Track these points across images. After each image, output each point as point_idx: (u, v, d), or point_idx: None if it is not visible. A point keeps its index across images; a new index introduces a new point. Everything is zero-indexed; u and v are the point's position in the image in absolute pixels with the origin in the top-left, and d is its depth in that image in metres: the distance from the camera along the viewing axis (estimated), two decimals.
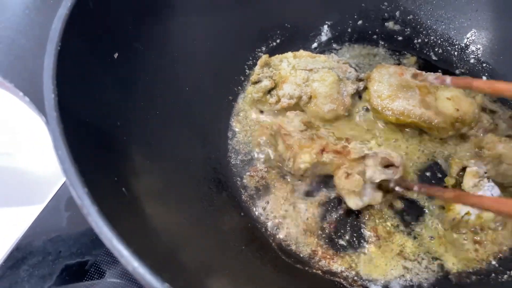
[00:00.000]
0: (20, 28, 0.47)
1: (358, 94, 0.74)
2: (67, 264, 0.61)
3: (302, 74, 0.71)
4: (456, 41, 0.81)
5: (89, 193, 0.37)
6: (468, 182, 0.61)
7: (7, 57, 0.45)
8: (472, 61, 0.79)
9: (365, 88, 0.73)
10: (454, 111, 0.66)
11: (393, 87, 0.70)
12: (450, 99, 0.67)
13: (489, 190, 0.59)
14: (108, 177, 0.45)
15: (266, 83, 0.71)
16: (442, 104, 0.67)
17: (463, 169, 0.64)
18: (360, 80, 0.74)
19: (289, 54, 0.75)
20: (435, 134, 0.68)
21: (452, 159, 0.66)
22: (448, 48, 0.81)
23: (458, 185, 0.62)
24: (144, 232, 0.44)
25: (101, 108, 0.52)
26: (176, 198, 0.57)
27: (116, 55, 0.58)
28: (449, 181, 0.63)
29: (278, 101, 0.71)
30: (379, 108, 0.69)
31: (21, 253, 0.62)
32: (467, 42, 0.80)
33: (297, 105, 0.71)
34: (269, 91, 0.72)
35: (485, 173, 0.61)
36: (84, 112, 0.48)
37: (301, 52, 0.76)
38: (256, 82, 0.73)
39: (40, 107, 0.43)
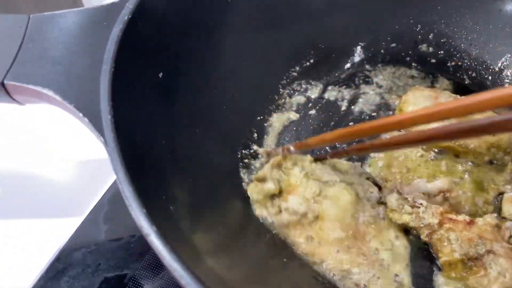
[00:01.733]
0: (77, 49, 0.49)
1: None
2: (106, 276, 0.62)
3: (314, 186, 0.61)
4: (490, 65, 0.81)
5: (147, 214, 0.38)
6: (508, 209, 0.60)
7: (65, 78, 0.47)
8: (506, 85, 0.79)
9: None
10: (490, 136, 0.65)
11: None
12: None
13: None
14: (160, 196, 0.47)
15: (269, 186, 0.62)
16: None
17: (499, 194, 0.64)
18: (381, 203, 0.62)
19: (308, 157, 0.64)
20: (470, 159, 0.68)
21: (488, 185, 0.66)
22: (482, 72, 0.81)
23: (497, 212, 0.62)
24: (194, 252, 0.45)
25: (148, 127, 0.54)
26: (214, 220, 0.58)
27: (160, 75, 0.60)
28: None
29: (279, 212, 0.61)
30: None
31: (62, 264, 0.64)
32: (502, 66, 0.81)
33: (299, 223, 0.60)
34: (272, 195, 0.62)
35: None
36: (135, 132, 0.50)
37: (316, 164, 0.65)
38: (261, 180, 0.63)
39: (97, 127, 0.44)
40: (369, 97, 0.80)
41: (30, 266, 0.64)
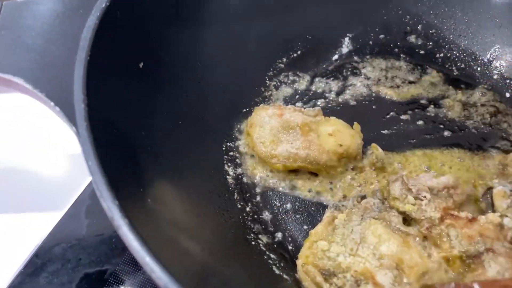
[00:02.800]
0: (51, 37, 0.48)
1: None
2: (86, 272, 0.61)
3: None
4: (479, 56, 0.80)
5: (119, 205, 0.37)
6: (500, 204, 0.58)
7: (38, 66, 0.45)
8: (495, 77, 0.78)
9: (248, 134, 0.69)
10: (338, 147, 0.64)
11: (274, 130, 0.67)
12: (332, 134, 0.65)
13: None
14: (135, 189, 0.45)
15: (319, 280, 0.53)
16: (325, 141, 0.65)
17: (488, 189, 0.63)
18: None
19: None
20: (323, 175, 0.66)
21: (475, 180, 0.65)
22: (471, 63, 0.80)
23: (488, 210, 0.60)
24: (169, 243, 0.44)
25: (127, 118, 0.52)
26: (198, 211, 0.57)
27: (141, 65, 0.59)
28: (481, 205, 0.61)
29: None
30: (265, 157, 0.65)
31: (40, 259, 0.62)
32: (491, 58, 0.80)
33: None
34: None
35: (511, 191, 0.60)
36: (111, 122, 0.48)
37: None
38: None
39: (70, 117, 0.43)
40: (356, 88, 0.79)
41: (8, 262, 0.62)
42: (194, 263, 0.47)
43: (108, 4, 0.53)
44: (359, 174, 0.66)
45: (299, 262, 0.55)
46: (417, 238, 0.56)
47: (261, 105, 0.74)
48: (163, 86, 0.63)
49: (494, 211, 0.60)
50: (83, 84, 0.45)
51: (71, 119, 0.42)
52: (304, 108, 0.71)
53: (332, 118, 0.70)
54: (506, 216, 0.57)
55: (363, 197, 0.63)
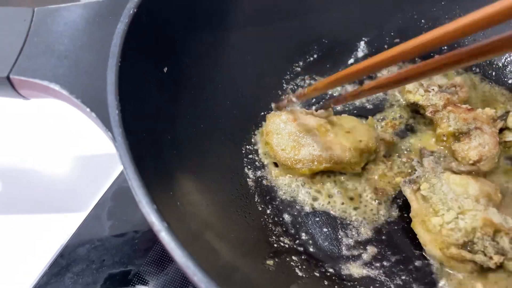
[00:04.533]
0: (83, 43, 0.49)
1: None
2: (110, 273, 0.62)
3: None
4: (494, 61, 0.81)
5: (157, 210, 0.38)
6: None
7: (71, 72, 0.46)
8: (510, 81, 0.79)
9: (267, 143, 0.69)
10: (358, 143, 0.66)
11: (292, 135, 0.67)
12: (349, 132, 0.66)
13: None
14: (167, 193, 0.46)
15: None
16: (344, 139, 0.66)
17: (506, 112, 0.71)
18: None
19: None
20: (349, 171, 0.67)
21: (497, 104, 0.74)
22: (486, 67, 0.81)
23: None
24: (202, 246, 0.45)
25: (155, 122, 0.54)
26: (222, 214, 0.58)
27: (165, 70, 0.60)
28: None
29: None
30: (289, 163, 0.66)
31: (65, 260, 0.63)
32: (506, 62, 0.80)
33: None
34: None
35: None
36: (143, 127, 0.49)
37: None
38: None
39: (104, 122, 0.44)
40: None
41: (34, 263, 0.63)
42: (223, 262, 0.48)
43: (135, 10, 0.54)
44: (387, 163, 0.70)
45: (434, 251, 0.57)
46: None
47: (272, 112, 0.74)
48: (185, 91, 0.64)
49: (506, 127, 0.69)
50: (116, 90, 0.45)
51: (105, 124, 0.43)
52: (317, 111, 0.72)
53: (344, 116, 0.72)
54: None
55: (419, 161, 0.67)
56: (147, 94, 0.54)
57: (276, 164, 0.69)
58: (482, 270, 0.56)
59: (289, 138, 0.67)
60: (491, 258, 0.54)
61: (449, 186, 0.60)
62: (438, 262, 0.59)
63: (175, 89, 0.62)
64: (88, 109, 0.44)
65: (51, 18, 0.51)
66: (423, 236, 0.60)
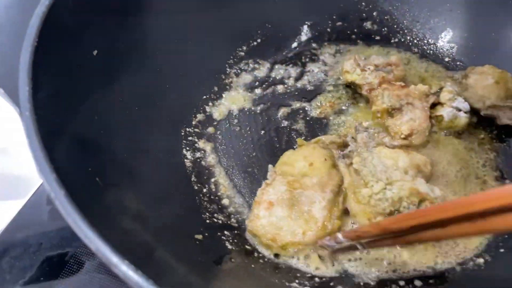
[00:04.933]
0: (1, 26, 0.49)
1: None
2: (47, 255, 0.63)
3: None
4: (431, 40, 0.83)
5: (57, 179, 0.39)
6: (444, 96, 0.71)
7: None
8: (447, 59, 0.81)
9: (272, 248, 0.59)
10: (324, 163, 0.63)
11: (291, 215, 0.59)
12: (311, 164, 0.63)
13: (461, 103, 0.70)
14: (81, 167, 0.47)
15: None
16: (317, 171, 0.62)
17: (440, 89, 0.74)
18: None
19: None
20: None
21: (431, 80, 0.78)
22: (424, 47, 0.83)
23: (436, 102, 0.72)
24: (119, 224, 0.46)
25: (78, 102, 0.54)
26: (153, 192, 0.59)
27: (95, 53, 0.60)
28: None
29: None
30: (323, 233, 0.58)
31: (2, 246, 0.64)
32: (442, 41, 0.83)
33: None
34: None
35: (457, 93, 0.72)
36: (60, 106, 0.50)
37: None
38: None
39: (16, 100, 0.44)
40: (314, 74, 0.81)
41: None
42: (144, 241, 0.49)
43: None
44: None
45: (363, 222, 0.60)
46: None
47: (247, 222, 0.62)
48: (119, 74, 0.64)
49: (438, 102, 0.72)
50: (29, 68, 0.46)
51: (15, 101, 0.44)
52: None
53: (283, 159, 0.66)
54: (445, 104, 0.70)
55: (353, 137, 0.69)
56: (71, 76, 0.55)
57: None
58: None
59: (294, 219, 0.59)
60: None
61: (379, 160, 0.63)
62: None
63: (108, 72, 0.62)
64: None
65: None
66: (353, 208, 0.62)
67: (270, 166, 0.66)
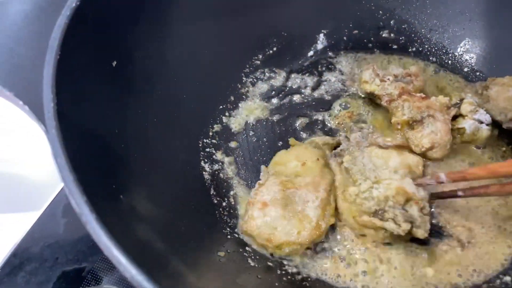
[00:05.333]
0: (20, 37, 0.48)
1: None
2: (64, 270, 0.61)
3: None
4: (450, 50, 0.82)
5: (88, 201, 0.37)
6: (465, 108, 0.69)
7: (6, 66, 0.45)
8: (466, 69, 0.80)
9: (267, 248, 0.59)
10: (318, 162, 0.65)
11: (285, 215, 0.59)
12: (303, 163, 0.64)
13: (483, 115, 0.68)
14: (107, 185, 0.46)
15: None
16: (310, 171, 0.64)
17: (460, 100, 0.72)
18: None
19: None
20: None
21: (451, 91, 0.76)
22: (442, 57, 0.82)
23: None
24: (140, 239, 0.45)
25: (99, 115, 0.53)
26: (172, 206, 0.58)
27: (114, 63, 0.59)
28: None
29: None
30: (316, 235, 0.58)
31: (18, 259, 0.62)
32: (461, 51, 0.82)
33: None
34: None
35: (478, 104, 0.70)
36: (83, 120, 0.49)
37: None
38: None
39: (39, 116, 0.43)
40: (331, 84, 0.80)
41: None
42: (167, 257, 0.47)
43: (78, 3, 0.53)
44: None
45: (348, 220, 0.60)
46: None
47: (241, 224, 0.62)
48: (137, 84, 0.63)
49: (459, 114, 0.70)
50: (52, 83, 0.45)
51: (40, 117, 0.43)
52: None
53: (275, 160, 0.67)
54: (467, 117, 0.69)
55: (347, 136, 0.69)
56: (92, 88, 0.53)
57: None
58: (393, 238, 0.60)
59: (288, 219, 0.58)
60: (400, 225, 0.56)
61: (369, 159, 0.63)
62: (351, 230, 0.61)
63: (126, 83, 0.61)
64: (21, 102, 0.44)
65: None
66: (341, 206, 0.62)
67: (262, 166, 0.67)
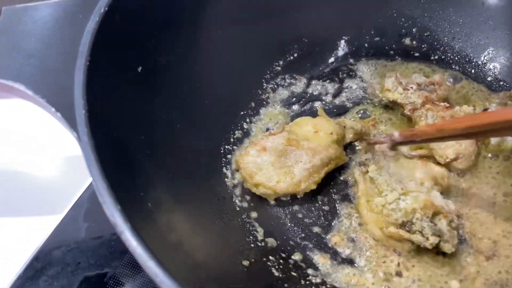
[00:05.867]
0: (51, 42, 0.48)
1: None
2: (86, 275, 0.61)
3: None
4: (473, 59, 0.81)
5: (121, 210, 0.37)
6: None
7: (38, 72, 0.45)
8: (489, 79, 0.79)
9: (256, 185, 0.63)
10: (331, 136, 0.67)
11: (275, 163, 0.63)
12: (316, 131, 0.67)
13: None
14: (136, 193, 0.46)
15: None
16: (318, 139, 0.66)
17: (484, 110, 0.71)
18: None
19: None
20: (340, 164, 0.68)
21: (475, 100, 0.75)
22: (465, 65, 0.81)
23: None
24: (171, 247, 0.45)
25: (126, 122, 0.53)
26: (195, 214, 0.57)
27: (139, 69, 0.59)
28: None
29: None
30: (291, 189, 0.62)
31: (40, 263, 0.62)
32: (485, 60, 0.81)
33: None
34: None
35: None
36: (112, 127, 0.49)
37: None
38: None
39: (71, 122, 0.43)
40: (352, 91, 0.80)
41: (8, 266, 0.62)
42: (195, 266, 0.47)
43: (107, 9, 0.53)
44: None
45: (374, 230, 0.60)
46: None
47: (237, 154, 0.69)
48: (161, 90, 0.63)
49: None
50: (83, 89, 0.45)
51: (72, 124, 0.43)
52: (287, 123, 0.72)
53: (297, 120, 0.71)
54: None
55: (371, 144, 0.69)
56: (118, 93, 0.53)
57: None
58: (419, 251, 0.59)
59: (275, 167, 0.63)
60: (427, 238, 0.55)
61: (396, 169, 0.63)
62: (377, 240, 0.61)
63: (150, 89, 0.61)
64: (53, 109, 0.44)
65: (19, 17, 0.51)
66: (365, 216, 0.61)
67: (281, 118, 0.75)
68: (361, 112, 0.77)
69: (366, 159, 0.66)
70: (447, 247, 0.56)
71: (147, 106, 0.59)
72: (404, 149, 0.66)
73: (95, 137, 0.42)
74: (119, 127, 0.51)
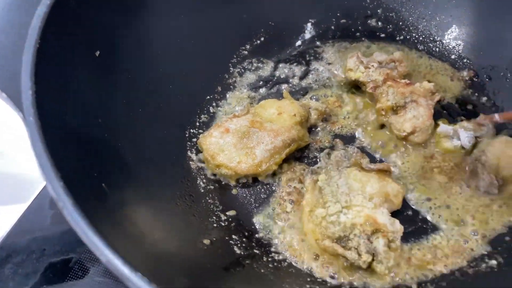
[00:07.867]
0: (0, 27, 0.48)
1: None
2: (51, 262, 0.61)
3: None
4: (437, 38, 0.82)
5: (64, 186, 0.37)
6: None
7: None
8: (453, 57, 0.80)
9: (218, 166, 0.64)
10: (294, 117, 0.67)
11: (237, 145, 0.64)
12: (280, 113, 0.67)
13: (468, 137, 0.67)
14: (88, 173, 0.46)
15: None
16: (281, 121, 0.67)
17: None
18: None
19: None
20: (303, 145, 0.68)
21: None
22: (430, 44, 0.82)
23: None
24: (122, 228, 0.45)
25: (81, 105, 0.53)
26: (156, 196, 0.58)
27: (97, 53, 0.59)
28: None
29: None
30: (253, 171, 0.63)
31: (5, 251, 0.62)
32: (448, 39, 0.81)
33: None
34: None
35: None
36: (63, 109, 0.49)
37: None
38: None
39: (18, 104, 0.43)
40: (318, 73, 0.80)
41: None
42: (149, 248, 0.47)
43: None
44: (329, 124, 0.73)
45: (309, 238, 0.58)
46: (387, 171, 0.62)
47: (200, 135, 0.68)
48: (122, 75, 0.63)
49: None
50: (31, 71, 0.45)
51: (19, 106, 0.43)
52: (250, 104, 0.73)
53: (261, 102, 0.71)
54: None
55: (329, 153, 0.67)
56: (74, 77, 0.53)
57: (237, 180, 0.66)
58: (354, 268, 0.56)
59: (237, 148, 0.64)
60: (361, 256, 0.53)
61: (346, 181, 0.59)
62: (313, 253, 0.58)
63: (110, 73, 0.61)
64: (4, 94, 0.43)
65: None
66: (305, 225, 0.59)
67: (246, 103, 0.75)
68: (326, 93, 0.78)
69: (318, 167, 0.64)
70: (379, 269, 0.53)
71: (106, 90, 0.59)
72: (364, 160, 0.64)
73: (42, 117, 0.42)
74: (74, 110, 0.51)
